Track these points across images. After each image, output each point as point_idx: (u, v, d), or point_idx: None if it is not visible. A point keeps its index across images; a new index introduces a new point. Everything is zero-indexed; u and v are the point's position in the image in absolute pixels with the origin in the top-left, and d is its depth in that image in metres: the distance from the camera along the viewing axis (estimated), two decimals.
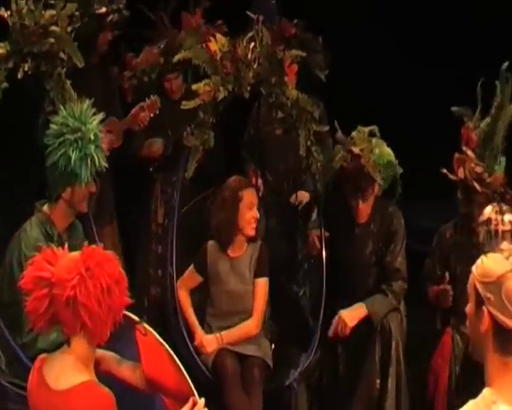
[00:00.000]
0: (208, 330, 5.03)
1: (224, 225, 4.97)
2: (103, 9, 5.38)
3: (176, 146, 5.84)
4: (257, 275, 5.04)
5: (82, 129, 4.24)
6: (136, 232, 6.08)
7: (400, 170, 5.15)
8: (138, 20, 5.81)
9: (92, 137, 4.27)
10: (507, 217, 4.72)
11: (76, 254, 3.01)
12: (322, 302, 5.11)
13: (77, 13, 4.56)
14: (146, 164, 5.98)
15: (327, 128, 5.14)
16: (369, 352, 5.04)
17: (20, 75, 4.33)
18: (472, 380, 4.97)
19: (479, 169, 4.92)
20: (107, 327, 2.97)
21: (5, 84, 4.20)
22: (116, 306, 2.96)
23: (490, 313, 2.48)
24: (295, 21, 5.25)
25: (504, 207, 4.76)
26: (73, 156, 4.21)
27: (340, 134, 5.08)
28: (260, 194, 5.56)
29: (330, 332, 5.06)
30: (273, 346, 5.15)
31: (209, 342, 4.92)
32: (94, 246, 3.04)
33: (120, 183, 5.77)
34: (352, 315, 5.03)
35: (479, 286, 2.52)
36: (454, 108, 5.02)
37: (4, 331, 4.16)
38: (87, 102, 4.34)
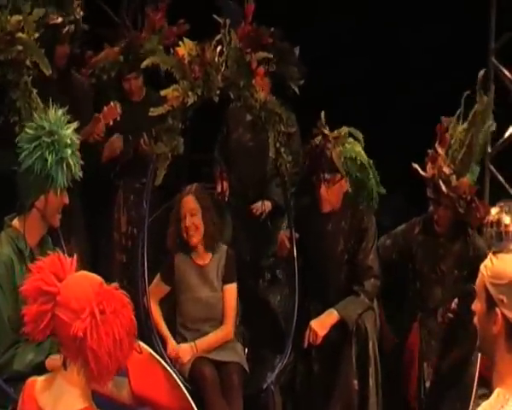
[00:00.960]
0: (180, 339, 4.99)
1: (172, 234, 5.01)
2: (58, 20, 5.22)
3: (136, 151, 5.79)
4: (225, 281, 5.03)
5: (59, 132, 4.12)
6: (98, 241, 5.99)
7: (382, 190, 5.21)
8: (99, 18, 5.73)
9: (69, 142, 4.15)
10: None
11: (86, 279, 2.80)
12: (295, 303, 5.10)
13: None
14: (107, 171, 5.88)
15: (294, 129, 5.13)
16: (345, 353, 5.04)
17: None
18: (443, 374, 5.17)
19: (447, 170, 4.98)
20: (111, 376, 2.78)
21: None
22: (125, 357, 2.77)
23: (503, 315, 2.48)
24: (272, 29, 5.21)
25: None
26: (50, 159, 4.08)
27: (322, 122, 5.06)
28: (226, 198, 5.54)
29: (304, 343, 5.07)
30: (246, 350, 5.13)
31: (184, 351, 4.89)
32: (111, 286, 2.87)
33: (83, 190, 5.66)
34: (322, 323, 5.03)
35: (490, 288, 2.50)
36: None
37: None
38: (61, 110, 4.22)
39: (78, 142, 4.22)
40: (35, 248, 4.28)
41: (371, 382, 4.97)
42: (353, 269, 5.18)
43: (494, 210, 4.75)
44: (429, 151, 5.04)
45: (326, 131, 4.95)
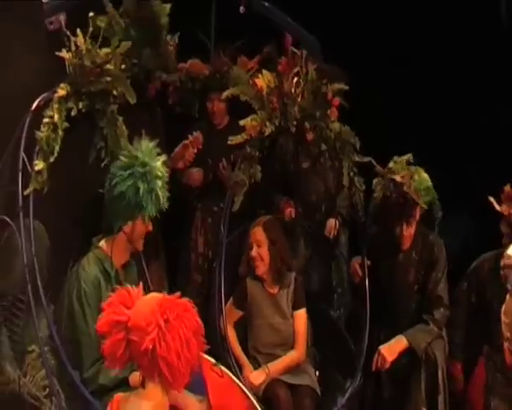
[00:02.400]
0: (252, 362, 5.14)
1: (243, 266, 5.26)
2: (149, 66, 5.45)
3: (215, 175, 5.96)
4: (295, 307, 5.17)
5: (150, 164, 4.34)
6: (177, 262, 6.16)
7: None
8: (191, 48, 5.92)
9: (159, 174, 4.37)
10: None
11: (152, 299, 3.03)
12: (366, 330, 5.20)
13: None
14: (186, 193, 6.07)
15: (368, 159, 5.24)
16: (414, 381, 5.12)
17: (73, 113, 4.40)
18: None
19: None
20: (185, 378, 3.00)
21: (66, 124, 4.28)
22: (194, 357, 2.98)
23: None
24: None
25: None
26: (142, 188, 4.29)
27: (378, 168, 5.20)
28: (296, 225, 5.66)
29: (372, 367, 5.15)
30: (317, 373, 5.25)
31: (257, 376, 5.03)
32: (172, 296, 3.04)
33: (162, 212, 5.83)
34: (391, 349, 5.10)
35: None
36: None
37: (68, 367, 4.19)
38: (153, 142, 4.42)
39: (167, 174, 4.42)
40: (120, 269, 4.51)
41: None
42: (423, 298, 5.26)
43: (510, 251, 4.79)
44: (506, 188, 5.09)
45: (398, 179, 5.04)
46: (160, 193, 4.35)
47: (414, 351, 5.12)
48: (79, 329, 4.29)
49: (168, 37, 5.55)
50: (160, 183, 4.35)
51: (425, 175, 5.21)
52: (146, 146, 4.37)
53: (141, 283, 3.16)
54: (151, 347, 2.91)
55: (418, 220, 5.24)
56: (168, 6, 5.44)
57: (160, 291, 3.14)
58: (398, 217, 5.18)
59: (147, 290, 3.14)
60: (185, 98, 5.93)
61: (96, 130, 4.59)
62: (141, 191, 4.30)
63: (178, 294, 3.05)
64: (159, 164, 4.36)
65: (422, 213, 5.27)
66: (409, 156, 5.23)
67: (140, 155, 4.33)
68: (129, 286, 3.13)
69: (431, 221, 5.36)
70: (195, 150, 5.69)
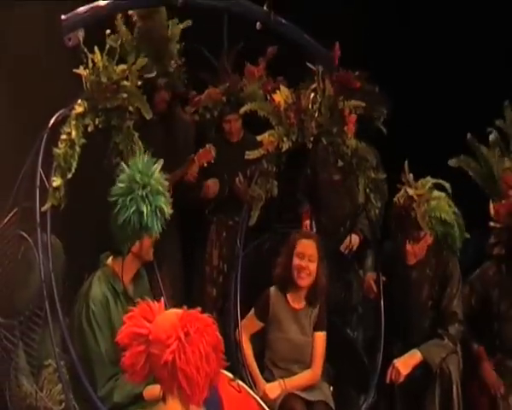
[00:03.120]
0: (268, 375, 5.12)
1: (280, 272, 5.12)
2: (152, 74, 5.39)
3: (230, 189, 5.98)
4: (317, 328, 5.16)
5: (151, 183, 4.31)
6: (191, 275, 6.18)
7: (467, 236, 5.23)
8: (199, 62, 5.93)
9: (161, 189, 4.34)
10: None
11: (173, 313, 3.04)
12: (380, 346, 5.20)
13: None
14: (202, 207, 6.08)
15: (384, 176, 5.24)
16: (428, 396, 5.11)
17: (90, 129, 4.42)
18: None
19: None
20: (204, 392, 3.00)
21: (83, 140, 4.30)
22: (213, 371, 2.99)
23: None
24: (357, 73, 5.32)
25: None
26: (145, 211, 4.26)
27: (408, 175, 5.14)
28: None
29: (387, 380, 5.13)
30: (332, 388, 5.23)
31: (272, 389, 5.01)
32: (193, 310, 3.06)
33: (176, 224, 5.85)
34: (406, 363, 5.07)
35: None
36: None
37: (84, 381, 4.20)
38: (147, 155, 4.42)
39: (167, 183, 4.41)
40: (129, 284, 4.51)
41: None
42: (438, 314, 5.24)
43: None
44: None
45: (410, 191, 5.02)
46: (164, 207, 4.34)
47: (428, 366, 5.10)
48: (90, 349, 4.30)
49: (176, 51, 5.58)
50: (162, 198, 4.34)
51: (446, 207, 5.13)
52: (142, 163, 4.35)
53: (162, 298, 3.17)
54: (171, 359, 2.92)
55: (430, 242, 5.18)
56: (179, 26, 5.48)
57: (173, 294, 3.15)
58: (397, 229, 5.15)
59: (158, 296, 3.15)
60: (204, 128, 5.97)
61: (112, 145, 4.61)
62: (145, 214, 4.28)
63: (199, 309, 3.06)
64: (158, 177, 4.34)
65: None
66: (443, 183, 5.16)
67: (138, 176, 4.30)
68: (140, 300, 3.16)
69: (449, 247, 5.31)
70: (202, 165, 5.69)
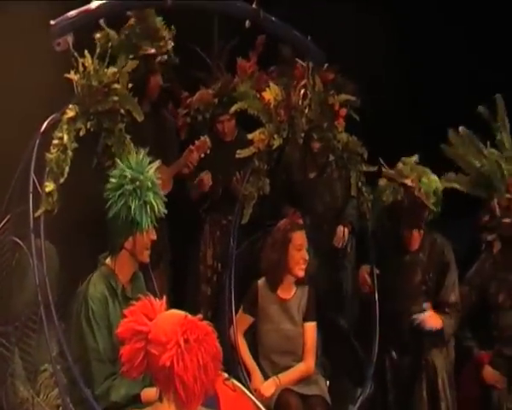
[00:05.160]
0: (262, 372, 5.12)
1: (274, 265, 5.10)
2: (152, 50, 5.48)
3: (224, 188, 5.97)
4: (306, 319, 5.16)
5: (140, 178, 4.31)
6: (184, 274, 6.17)
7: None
8: (192, 61, 5.91)
9: (150, 185, 4.34)
10: None
11: (174, 316, 3.01)
12: (375, 339, 5.20)
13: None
14: (196, 206, 6.08)
15: (375, 168, 5.25)
16: (417, 389, 5.16)
17: (82, 133, 4.40)
18: None
19: (507, 220, 5.07)
20: (200, 400, 2.97)
21: (74, 145, 4.29)
22: (210, 381, 2.94)
23: None
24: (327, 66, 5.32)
25: None
26: (133, 205, 4.27)
27: (387, 170, 5.18)
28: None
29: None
30: (328, 382, 5.24)
31: (267, 387, 5.02)
32: (195, 317, 3.07)
33: (170, 224, 5.84)
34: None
35: None
36: None
37: (80, 384, 4.19)
38: (142, 153, 4.42)
39: (159, 181, 4.41)
40: (127, 284, 4.50)
41: None
42: (437, 303, 5.26)
43: None
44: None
45: (408, 182, 5.05)
46: (154, 202, 4.33)
47: (417, 356, 5.16)
48: (89, 347, 4.28)
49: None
50: (151, 194, 4.33)
51: (433, 177, 5.21)
52: (136, 160, 4.36)
53: (164, 297, 3.17)
54: (169, 364, 2.90)
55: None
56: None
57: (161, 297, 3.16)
58: (411, 222, 5.19)
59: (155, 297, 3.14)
60: (196, 130, 5.95)
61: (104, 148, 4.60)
62: (132, 209, 4.28)
63: (200, 316, 3.06)
64: (150, 174, 4.34)
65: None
66: (416, 157, 5.24)
67: (128, 171, 4.31)
68: (136, 300, 3.11)
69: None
70: (201, 155, 5.71)
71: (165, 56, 5.60)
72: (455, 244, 5.45)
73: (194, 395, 2.96)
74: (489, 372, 5.24)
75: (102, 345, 4.28)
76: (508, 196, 5.15)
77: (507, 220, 5.14)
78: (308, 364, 5.10)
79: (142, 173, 4.33)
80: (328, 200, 5.92)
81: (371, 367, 5.17)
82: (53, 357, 4.26)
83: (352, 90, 5.54)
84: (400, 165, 5.24)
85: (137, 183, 4.30)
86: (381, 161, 5.20)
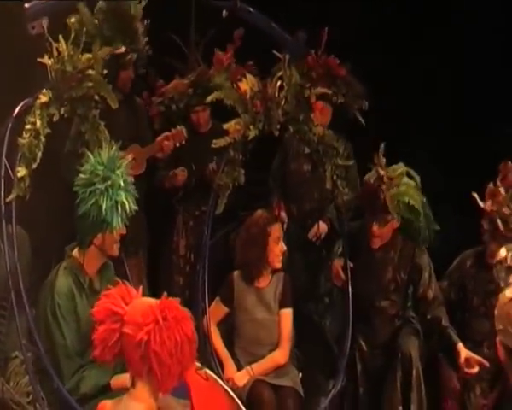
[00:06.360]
0: (237, 363, 5.12)
1: (253, 260, 5.10)
2: (122, 49, 5.40)
3: (198, 179, 5.96)
4: (282, 306, 5.16)
5: (112, 177, 4.26)
6: (158, 264, 6.16)
7: (437, 227, 5.25)
8: (170, 49, 5.89)
9: (122, 184, 4.30)
10: None
11: (151, 299, 3.04)
12: (348, 331, 5.20)
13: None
14: (168, 195, 6.06)
15: (351, 162, 5.25)
16: (390, 378, 5.15)
17: (55, 119, 4.37)
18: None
19: (506, 211, 5.06)
20: (174, 381, 3.00)
21: (47, 130, 4.25)
22: (185, 363, 2.98)
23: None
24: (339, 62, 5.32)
25: None
26: (104, 205, 4.23)
27: (381, 158, 5.15)
28: (284, 226, 5.66)
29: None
30: (301, 375, 5.25)
31: (240, 377, 5.02)
32: (173, 299, 3.04)
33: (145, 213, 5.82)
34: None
35: None
36: None
37: (51, 373, 4.17)
38: (114, 147, 4.38)
39: (131, 179, 4.37)
40: (94, 276, 4.48)
41: (413, 408, 5.08)
42: (417, 304, 5.29)
43: (502, 251, 4.85)
44: (489, 185, 5.12)
45: (382, 172, 5.04)
46: (125, 201, 4.29)
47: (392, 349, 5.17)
48: (57, 343, 4.28)
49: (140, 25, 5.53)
50: (123, 193, 4.29)
51: (415, 195, 5.13)
52: (107, 156, 4.31)
53: (141, 286, 3.16)
54: (146, 339, 2.92)
55: (396, 226, 5.19)
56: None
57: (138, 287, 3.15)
58: (366, 209, 5.17)
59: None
60: (170, 119, 5.94)
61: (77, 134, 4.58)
62: (103, 209, 4.23)
63: (178, 299, 3.06)
64: (121, 171, 4.30)
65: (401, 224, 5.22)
66: (414, 176, 5.17)
67: (100, 169, 4.26)
68: (105, 291, 3.12)
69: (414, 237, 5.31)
70: (177, 144, 5.69)
71: (135, 55, 5.57)
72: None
73: (170, 373, 2.97)
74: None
75: (70, 340, 4.28)
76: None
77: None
78: (282, 352, 5.10)
79: (113, 171, 4.28)
80: (317, 195, 5.95)
81: (343, 360, 5.16)
82: (23, 344, 4.22)
83: (360, 91, 5.56)
84: (395, 165, 5.19)
85: (109, 181, 4.26)
86: (381, 149, 5.13)
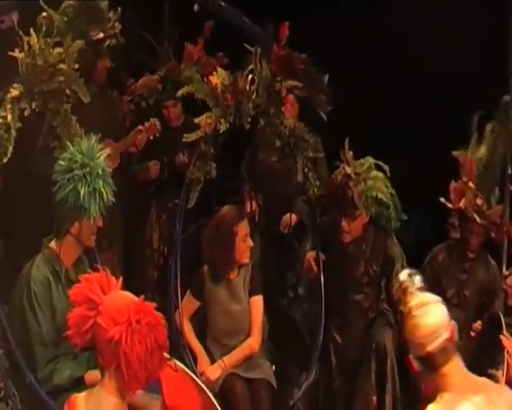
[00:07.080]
0: (210, 356, 5.13)
1: (220, 259, 5.09)
2: (100, 35, 5.43)
3: (171, 172, 5.98)
4: (251, 294, 5.17)
5: (90, 164, 4.27)
6: (131, 257, 6.17)
7: (404, 217, 5.27)
8: (141, 47, 5.90)
9: (100, 172, 4.31)
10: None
11: (129, 296, 3.04)
12: (321, 323, 5.24)
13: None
14: (142, 189, 6.08)
15: (322, 155, 5.28)
16: (364, 369, 5.19)
17: (26, 113, 4.37)
18: None
19: (479, 201, 5.11)
20: (140, 384, 3.00)
21: (18, 124, 4.25)
22: (153, 369, 2.98)
23: None
24: (303, 56, 5.32)
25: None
26: (82, 191, 4.24)
27: (348, 153, 5.16)
28: (256, 217, 5.70)
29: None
30: (273, 367, 5.26)
31: (212, 371, 5.03)
32: (148, 303, 3.02)
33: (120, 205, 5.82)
34: None
35: None
36: None
37: (23, 368, 4.17)
38: (94, 138, 4.39)
39: (109, 170, 4.39)
40: (70, 267, 4.47)
41: (388, 399, 5.14)
42: (378, 293, 5.32)
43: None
44: (453, 184, 5.18)
45: (348, 170, 5.06)
46: (103, 190, 4.30)
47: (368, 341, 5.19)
48: (32, 330, 4.27)
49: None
50: (101, 182, 4.30)
51: (383, 188, 5.16)
52: (86, 145, 4.32)
53: (121, 277, 3.16)
54: (117, 338, 2.92)
55: (366, 220, 5.23)
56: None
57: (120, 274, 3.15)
58: (334, 206, 5.19)
59: None
60: (141, 116, 5.95)
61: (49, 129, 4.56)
62: (81, 195, 4.25)
63: (154, 304, 3.05)
64: (100, 161, 4.31)
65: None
66: (382, 166, 5.18)
67: (79, 156, 4.28)
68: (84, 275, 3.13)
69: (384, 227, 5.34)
70: (149, 136, 5.70)
71: (114, 40, 5.58)
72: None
73: (136, 378, 2.96)
74: None
75: (45, 328, 4.27)
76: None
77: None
78: (254, 340, 5.11)
79: (92, 160, 4.30)
80: (285, 187, 5.97)
81: (316, 352, 5.20)
82: None
83: (322, 86, 5.57)
84: (361, 159, 5.20)
85: (87, 168, 4.27)
86: (346, 145, 5.14)
